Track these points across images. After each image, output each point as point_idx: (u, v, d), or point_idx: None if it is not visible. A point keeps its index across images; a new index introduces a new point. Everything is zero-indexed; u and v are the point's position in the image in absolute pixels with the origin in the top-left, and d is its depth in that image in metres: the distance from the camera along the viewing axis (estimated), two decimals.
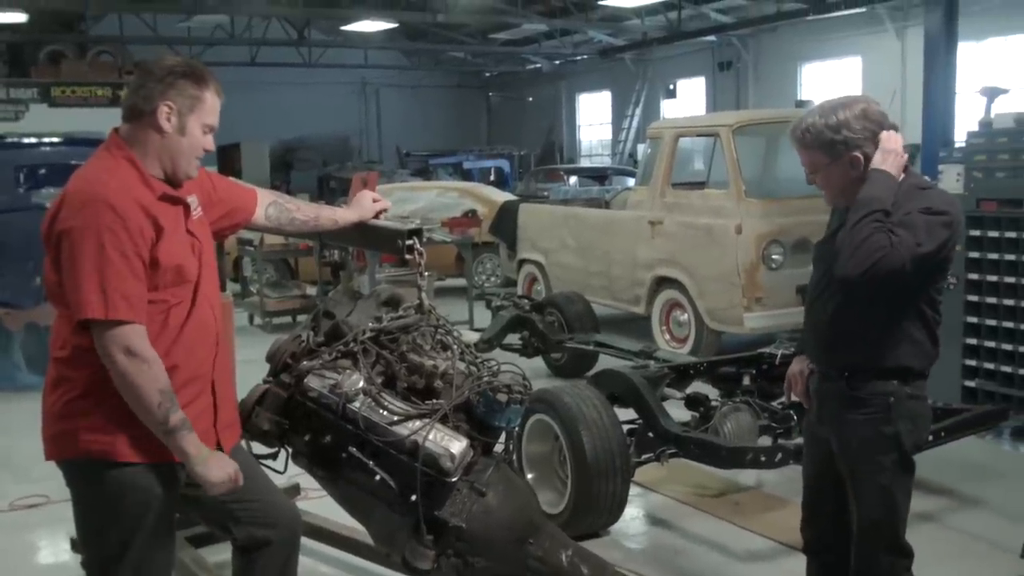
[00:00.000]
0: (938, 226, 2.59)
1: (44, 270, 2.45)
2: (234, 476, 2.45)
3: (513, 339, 7.48)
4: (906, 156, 2.74)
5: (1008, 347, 5.82)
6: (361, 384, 2.58)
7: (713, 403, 4.82)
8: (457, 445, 2.49)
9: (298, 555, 2.81)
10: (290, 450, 2.77)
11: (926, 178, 3.21)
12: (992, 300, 5.91)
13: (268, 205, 2.91)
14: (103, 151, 2.48)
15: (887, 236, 2.51)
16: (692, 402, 4.90)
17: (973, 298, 5.98)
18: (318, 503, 3.56)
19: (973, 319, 5.98)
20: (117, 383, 2.32)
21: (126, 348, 2.30)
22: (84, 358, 2.38)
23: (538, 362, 7.46)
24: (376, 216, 3.05)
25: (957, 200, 2.81)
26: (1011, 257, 5.80)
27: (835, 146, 2.69)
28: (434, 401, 2.60)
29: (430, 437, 2.48)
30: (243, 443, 2.75)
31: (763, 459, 4.21)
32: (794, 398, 3.16)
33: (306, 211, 3.00)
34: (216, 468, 2.42)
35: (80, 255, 2.30)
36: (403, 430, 2.52)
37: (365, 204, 3.03)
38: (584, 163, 27.45)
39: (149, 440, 2.40)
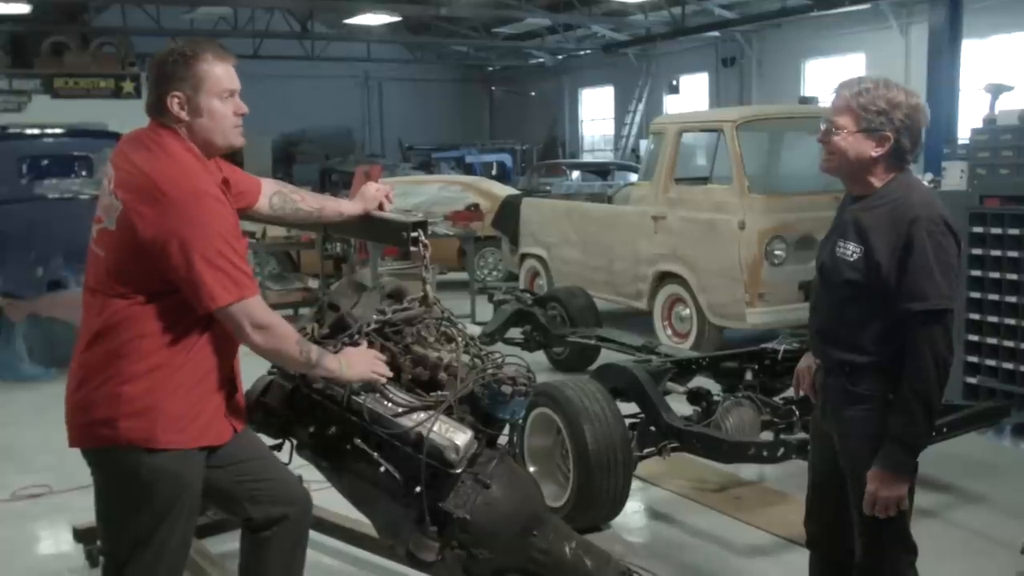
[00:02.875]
0: (943, 258, 2.57)
1: (104, 253, 2.46)
2: (377, 361, 2.59)
3: (515, 333, 7.49)
4: None
5: (1010, 344, 5.81)
6: None
7: (715, 398, 4.82)
8: (462, 437, 2.50)
9: (308, 536, 2.83)
10: (294, 442, 2.78)
11: (925, 177, 3.22)
12: (994, 297, 5.90)
13: (272, 195, 2.92)
14: (155, 138, 2.48)
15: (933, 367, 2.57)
16: (694, 396, 4.90)
17: (975, 295, 5.97)
18: (322, 495, 3.56)
19: (975, 316, 5.98)
20: (258, 352, 2.47)
21: (254, 323, 2.40)
22: (134, 344, 2.41)
23: (540, 356, 7.46)
24: (380, 207, 3.05)
25: (936, 198, 2.77)
26: (1013, 254, 5.79)
27: (879, 117, 2.64)
28: (439, 393, 2.60)
29: (434, 429, 2.49)
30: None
31: (765, 454, 4.21)
32: (802, 393, 3.16)
33: (311, 202, 3.00)
34: (361, 366, 2.57)
35: (201, 251, 2.33)
36: (408, 422, 2.53)
37: (369, 195, 3.04)
38: (586, 158, 27.45)
39: (184, 425, 2.45)
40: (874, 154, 2.68)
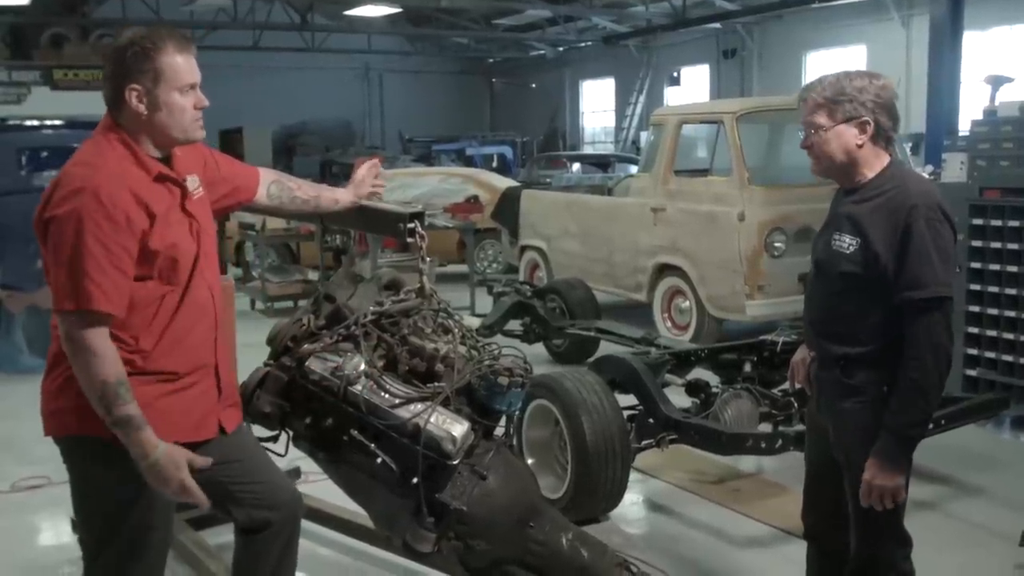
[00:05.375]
0: (941, 246, 2.56)
1: (42, 253, 2.45)
2: (181, 488, 2.35)
3: (514, 325, 7.49)
4: None
5: (1009, 336, 5.81)
6: (362, 367, 2.57)
7: (714, 390, 4.82)
8: (459, 428, 2.49)
9: (299, 537, 2.82)
10: (291, 433, 2.78)
11: (925, 169, 3.21)
12: (994, 289, 5.90)
13: (270, 184, 2.90)
14: (98, 134, 2.45)
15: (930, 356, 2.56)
16: (693, 388, 4.90)
17: (975, 287, 5.97)
18: (319, 486, 3.57)
19: (975, 308, 5.97)
20: (72, 363, 2.31)
21: (71, 338, 2.27)
22: None
23: (539, 348, 7.46)
24: (373, 194, 3.04)
25: (931, 186, 2.77)
26: (1013, 246, 5.79)
27: (852, 104, 2.64)
28: (435, 384, 2.59)
29: (431, 420, 2.48)
30: (245, 425, 2.76)
31: (763, 445, 4.21)
32: (797, 385, 3.16)
33: (307, 191, 2.99)
34: (161, 475, 2.32)
35: (61, 244, 2.27)
36: (405, 413, 2.52)
37: (358, 180, 3.04)
38: (587, 150, 27.42)
39: (146, 419, 2.41)
40: (859, 142, 2.68)
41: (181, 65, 2.40)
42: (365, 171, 3.04)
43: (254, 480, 2.69)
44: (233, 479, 2.64)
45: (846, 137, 2.68)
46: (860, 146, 2.68)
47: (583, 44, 26.74)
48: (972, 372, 6.00)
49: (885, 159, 2.72)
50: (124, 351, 2.38)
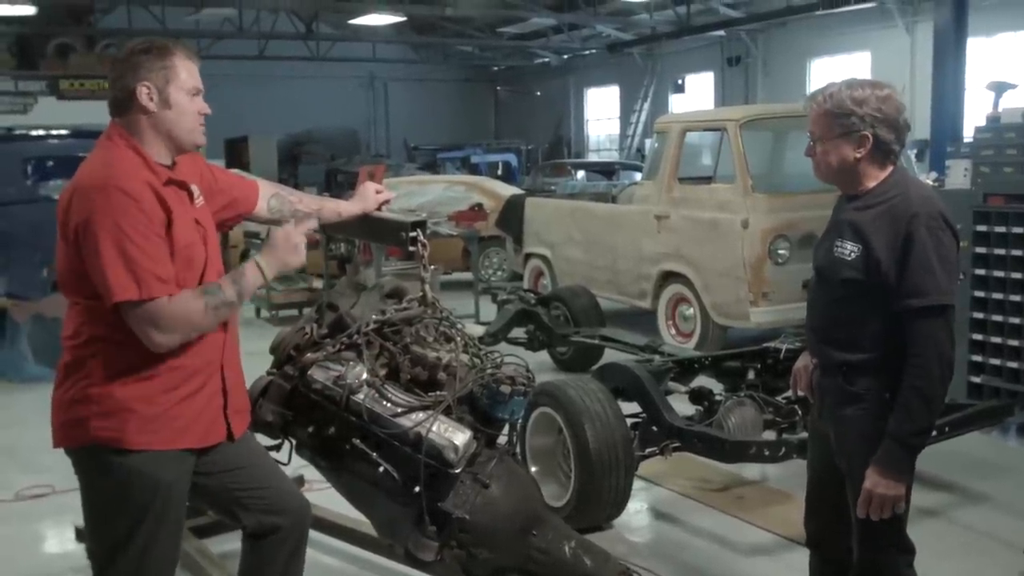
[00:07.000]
0: (943, 254, 2.56)
1: (57, 260, 2.47)
2: (297, 240, 2.62)
3: (519, 333, 7.49)
4: None
5: (1014, 343, 5.79)
6: (365, 376, 2.59)
7: (717, 397, 4.81)
8: (461, 437, 2.49)
9: (306, 542, 2.83)
10: (294, 442, 2.79)
11: (929, 176, 3.20)
12: (999, 296, 5.88)
13: (270, 197, 2.92)
14: (105, 141, 2.50)
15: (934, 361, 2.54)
16: (696, 396, 4.90)
17: (979, 294, 5.96)
18: (322, 494, 3.57)
19: (979, 315, 5.96)
20: (173, 347, 2.40)
21: (154, 323, 2.34)
22: (97, 346, 2.42)
23: (543, 356, 7.46)
24: (379, 208, 3.05)
25: (934, 194, 2.77)
26: (1018, 252, 5.77)
27: (849, 118, 2.63)
28: (437, 393, 2.60)
29: (434, 428, 2.49)
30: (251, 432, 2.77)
31: (766, 453, 4.20)
32: (800, 392, 3.16)
33: (309, 203, 3.01)
34: (277, 260, 2.61)
35: (103, 243, 2.31)
36: (407, 421, 2.53)
37: (368, 196, 3.05)
38: (592, 158, 27.47)
39: (158, 427, 2.43)
40: (856, 156, 2.67)
41: (190, 69, 2.52)
42: (376, 195, 3.06)
43: (262, 486, 2.70)
44: (242, 485, 2.66)
45: (843, 151, 2.68)
46: (858, 159, 2.67)
47: (587, 52, 26.79)
48: (976, 379, 5.98)
49: (887, 169, 2.71)
50: (143, 355, 2.41)
